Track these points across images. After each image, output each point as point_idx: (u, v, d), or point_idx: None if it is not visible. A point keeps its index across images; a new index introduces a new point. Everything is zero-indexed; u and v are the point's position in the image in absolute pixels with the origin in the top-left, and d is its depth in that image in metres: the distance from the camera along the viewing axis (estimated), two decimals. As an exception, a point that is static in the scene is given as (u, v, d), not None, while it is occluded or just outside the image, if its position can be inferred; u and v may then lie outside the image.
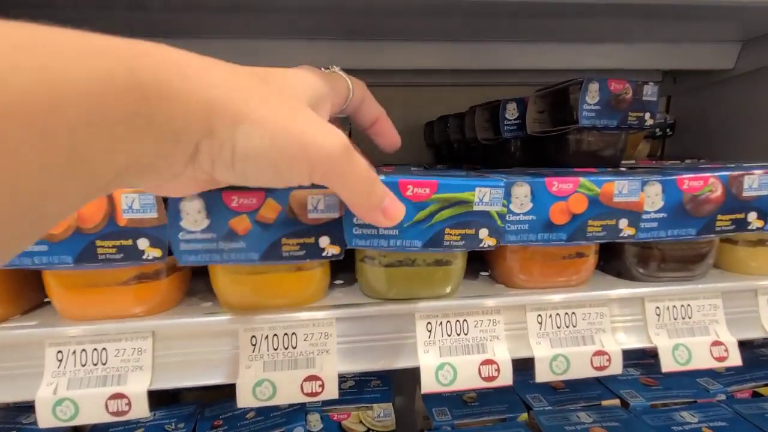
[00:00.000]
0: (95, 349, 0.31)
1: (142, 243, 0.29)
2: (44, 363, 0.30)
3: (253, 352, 0.32)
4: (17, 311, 0.33)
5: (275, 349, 0.32)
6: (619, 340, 0.36)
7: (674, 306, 0.37)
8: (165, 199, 0.29)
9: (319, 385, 0.32)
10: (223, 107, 0.18)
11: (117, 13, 0.50)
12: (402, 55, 0.68)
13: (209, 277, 0.33)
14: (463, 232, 0.30)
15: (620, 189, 0.33)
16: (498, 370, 0.34)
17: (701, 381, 0.60)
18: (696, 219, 0.35)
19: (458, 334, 0.34)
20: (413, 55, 0.68)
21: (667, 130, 0.84)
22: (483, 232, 0.31)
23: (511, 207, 0.32)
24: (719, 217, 0.35)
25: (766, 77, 0.68)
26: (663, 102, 0.89)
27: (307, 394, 0.32)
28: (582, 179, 0.32)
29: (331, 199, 0.30)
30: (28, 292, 0.34)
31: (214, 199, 0.28)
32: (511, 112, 0.52)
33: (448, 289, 0.35)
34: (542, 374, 0.35)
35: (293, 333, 0.33)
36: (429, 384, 0.33)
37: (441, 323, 0.34)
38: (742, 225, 0.35)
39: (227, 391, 0.45)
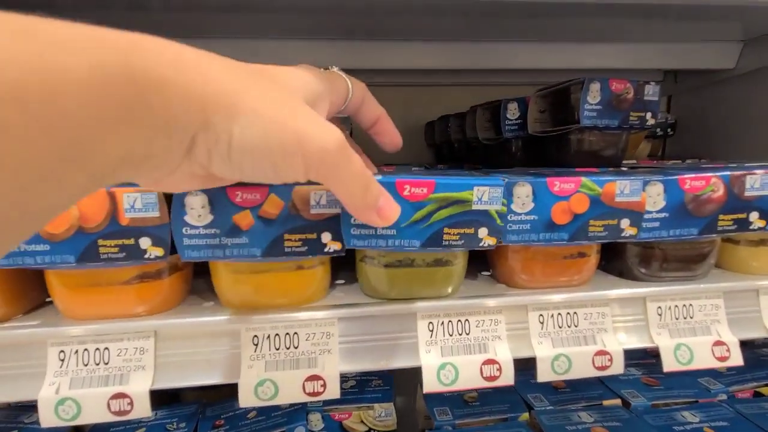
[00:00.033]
0: (97, 349, 0.31)
1: (145, 242, 0.29)
2: (46, 363, 0.30)
3: (255, 351, 0.32)
4: (19, 311, 0.33)
5: (277, 349, 0.32)
6: (620, 340, 0.36)
7: (676, 306, 0.37)
8: (168, 196, 0.29)
9: (321, 385, 0.32)
10: (219, 99, 0.18)
11: (117, 13, 0.50)
12: (402, 55, 0.68)
13: (210, 276, 0.33)
14: (462, 231, 0.30)
15: (622, 189, 0.33)
16: (500, 369, 0.34)
17: (702, 381, 0.60)
18: (698, 219, 0.35)
19: (460, 334, 0.34)
20: (413, 55, 0.68)
21: (668, 129, 0.84)
22: (482, 232, 0.31)
23: (513, 207, 0.32)
24: (721, 216, 0.35)
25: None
26: (664, 102, 0.89)
27: (309, 394, 0.32)
28: (584, 179, 0.32)
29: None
30: (30, 292, 0.34)
31: (219, 195, 0.28)
32: (512, 111, 0.52)
33: (450, 290, 0.35)
34: (544, 374, 0.35)
35: (295, 333, 0.33)
36: (431, 384, 0.33)
37: (442, 323, 0.34)
38: (743, 225, 0.35)
39: (228, 391, 0.45)
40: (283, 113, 0.20)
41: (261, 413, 0.53)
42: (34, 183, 0.14)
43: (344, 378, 0.58)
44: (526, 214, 0.32)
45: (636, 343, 0.37)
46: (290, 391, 0.32)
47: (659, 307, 0.37)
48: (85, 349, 0.31)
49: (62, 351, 0.31)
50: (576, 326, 0.36)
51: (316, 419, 0.54)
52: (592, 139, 0.46)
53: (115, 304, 0.31)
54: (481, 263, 0.41)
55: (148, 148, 0.17)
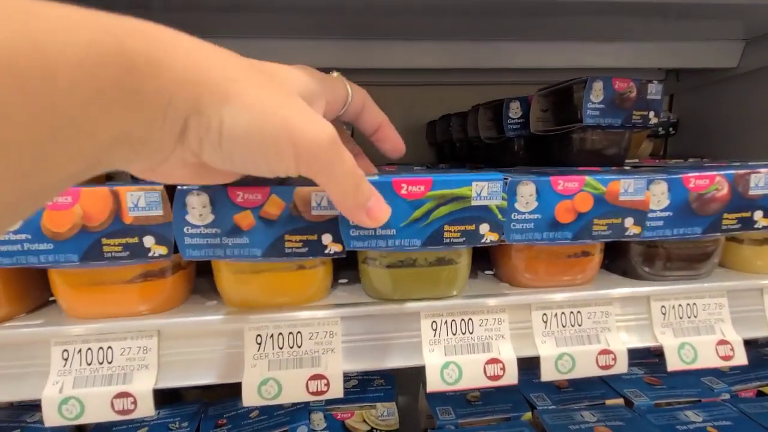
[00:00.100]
0: (101, 348, 0.31)
1: (148, 241, 0.29)
2: (50, 362, 0.30)
3: (258, 350, 0.32)
4: (23, 310, 0.33)
5: (280, 348, 0.32)
6: (624, 339, 0.36)
7: (680, 305, 0.37)
8: (171, 196, 0.29)
9: (325, 384, 0.32)
10: (212, 84, 0.18)
11: (117, 13, 0.50)
12: (403, 55, 0.68)
13: (213, 275, 0.33)
14: (462, 228, 0.30)
15: (626, 187, 0.33)
16: (503, 369, 0.34)
17: (705, 380, 0.60)
18: (702, 218, 0.35)
19: (463, 333, 0.34)
20: (414, 55, 0.68)
21: (670, 129, 0.84)
22: (484, 227, 0.31)
23: (517, 206, 0.32)
24: (725, 215, 0.35)
25: (770, 76, 0.68)
26: (666, 101, 0.88)
27: (313, 393, 0.32)
28: (587, 178, 0.32)
29: None
30: (34, 291, 0.34)
31: (220, 195, 0.28)
32: (515, 110, 0.52)
33: (454, 291, 0.35)
34: (548, 373, 0.35)
35: (298, 332, 0.33)
36: (434, 383, 0.33)
37: (446, 322, 0.34)
38: (748, 224, 0.35)
39: (231, 390, 0.45)
40: (275, 104, 0.20)
41: (263, 412, 0.53)
42: (32, 163, 0.14)
43: (346, 377, 0.58)
44: (530, 213, 0.32)
45: (640, 342, 0.36)
46: (294, 391, 0.32)
47: (663, 306, 0.37)
48: (89, 348, 0.31)
49: (65, 350, 0.31)
50: (580, 325, 0.36)
51: (318, 418, 0.54)
52: (594, 138, 0.46)
53: (118, 303, 0.31)
54: (484, 262, 0.41)
55: (141, 129, 0.17)
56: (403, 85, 0.82)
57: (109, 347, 0.31)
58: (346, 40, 0.65)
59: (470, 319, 0.35)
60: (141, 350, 0.31)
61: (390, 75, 0.74)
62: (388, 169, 0.46)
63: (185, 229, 0.29)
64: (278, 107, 0.20)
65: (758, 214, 0.35)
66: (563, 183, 0.32)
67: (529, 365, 0.36)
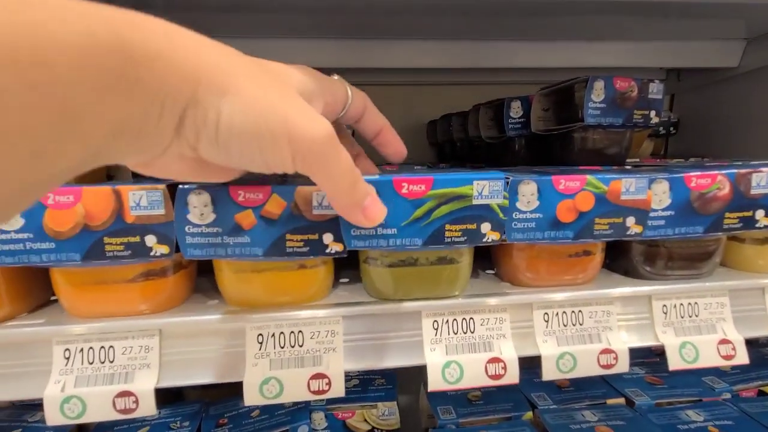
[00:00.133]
0: (102, 347, 0.31)
1: (150, 240, 0.29)
2: (52, 361, 0.30)
3: (260, 350, 0.32)
4: (24, 309, 0.33)
5: (282, 347, 0.32)
6: (625, 339, 0.36)
7: (681, 304, 0.37)
8: (172, 195, 0.29)
9: (326, 383, 0.32)
10: (209, 77, 0.18)
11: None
12: (403, 54, 0.68)
13: (214, 274, 0.33)
14: (464, 227, 0.30)
15: (627, 187, 0.33)
16: (504, 368, 0.34)
17: (706, 380, 0.60)
18: (703, 217, 0.35)
19: (465, 332, 0.34)
20: (414, 54, 0.68)
21: (671, 128, 0.84)
22: (485, 226, 0.31)
23: (518, 205, 0.32)
24: (727, 214, 0.35)
25: (771, 75, 0.68)
26: (667, 100, 0.88)
27: (314, 392, 0.32)
28: (589, 177, 0.32)
29: None
30: (35, 290, 0.34)
31: (221, 194, 0.28)
32: (516, 110, 0.52)
33: (456, 291, 0.35)
34: (549, 372, 0.35)
35: (300, 331, 0.33)
36: (436, 382, 0.33)
37: (447, 321, 0.34)
38: (749, 223, 0.35)
39: (232, 389, 0.45)
40: (274, 99, 0.20)
41: (264, 412, 0.53)
42: (30, 153, 0.14)
43: (347, 377, 0.58)
44: (531, 212, 0.32)
45: (641, 341, 0.36)
46: (295, 390, 0.32)
47: (664, 306, 0.37)
48: (90, 348, 0.31)
49: (67, 349, 0.31)
50: (581, 324, 0.36)
51: (319, 418, 0.54)
52: (596, 138, 0.46)
53: (120, 302, 0.31)
54: (486, 261, 0.41)
55: (138, 120, 0.17)
56: (403, 85, 0.82)
57: (111, 346, 0.31)
58: (346, 40, 0.65)
59: (471, 318, 0.35)
60: (142, 349, 0.31)
61: (390, 75, 0.74)
62: (388, 168, 0.46)
63: (187, 229, 0.29)
64: (276, 102, 0.20)
65: (760, 214, 0.35)
66: (565, 182, 0.32)
67: (530, 364, 0.36)
